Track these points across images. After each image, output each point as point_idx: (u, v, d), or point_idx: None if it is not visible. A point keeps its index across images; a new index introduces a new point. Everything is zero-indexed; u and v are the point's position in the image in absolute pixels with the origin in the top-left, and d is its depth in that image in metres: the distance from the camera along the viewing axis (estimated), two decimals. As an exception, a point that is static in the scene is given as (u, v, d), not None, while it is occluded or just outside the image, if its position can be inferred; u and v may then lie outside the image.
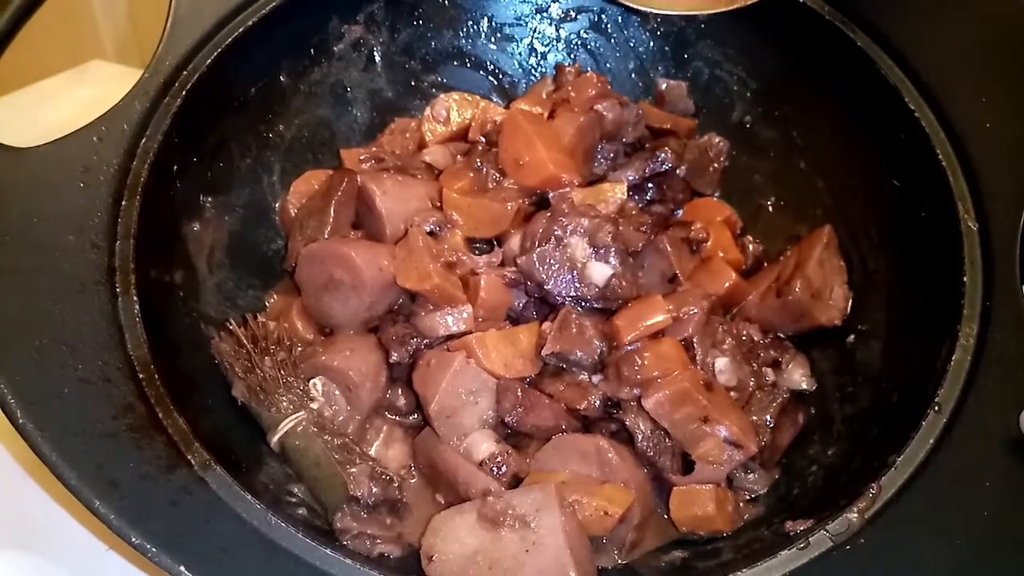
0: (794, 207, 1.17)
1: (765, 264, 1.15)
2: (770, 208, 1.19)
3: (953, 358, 0.86)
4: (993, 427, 0.81)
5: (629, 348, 0.94)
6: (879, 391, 0.96)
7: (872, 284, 1.04)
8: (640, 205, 1.12)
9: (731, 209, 1.18)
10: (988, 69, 0.99)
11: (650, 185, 1.13)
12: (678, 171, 1.15)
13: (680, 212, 1.15)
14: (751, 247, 1.15)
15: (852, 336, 1.03)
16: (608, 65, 1.27)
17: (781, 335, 1.06)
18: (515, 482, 0.91)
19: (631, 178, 1.10)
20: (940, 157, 0.97)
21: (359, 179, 1.05)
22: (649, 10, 1.20)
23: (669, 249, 1.03)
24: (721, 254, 1.10)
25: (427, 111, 1.22)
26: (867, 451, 0.90)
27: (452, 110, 1.22)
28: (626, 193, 1.07)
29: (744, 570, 0.77)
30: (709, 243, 1.08)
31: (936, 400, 0.84)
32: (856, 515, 0.78)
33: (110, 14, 2.06)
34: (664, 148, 1.11)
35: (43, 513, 0.95)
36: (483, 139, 1.17)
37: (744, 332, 1.03)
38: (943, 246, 0.94)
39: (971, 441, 0.81)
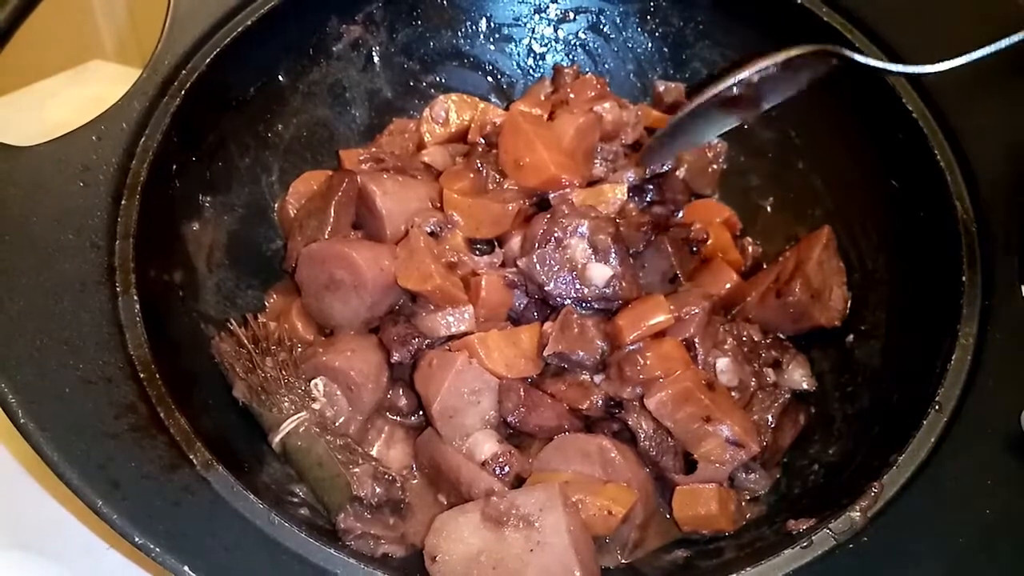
0: (793, 208, 1.17)
1: (764, 265, 1.15)
2: (769, 209, 1.20)
3: (953, 357, 0.86)
4: (994, 426, 0.81)
5: (631, 348, 0.94)
6: (879, 390, 0.97)
7: (871, 284, 1.05)
8: (640, 206, 1.12)
9: (731, 210, 1.18)
10: (986, 69, 1.00)
11: (650, 187, 1.13)
12: (678, 172, 1.15)
13: (680, 213, 1.15)
14: (750, 248, 1.16)
15: (852, 336, 1.04)
16: (606, 66, 1.28)
17: (781, 335, 1.07)
18: (518, 482, 0.91)
19: (631, 179, 1.10)
20: (938, 157, 0.97)
21: (359, 180, 1.05)
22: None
23: (670, 249, 1.03)
24: (721, 255, 1.10)
25: (426, 112, 1.22)
26: (868, 450, 0.90)
27: (451, 111, 1.22)
28: (626, 194, 1.07)
29: (748, 569, 0.77)
30: (709, 243, 1.08)
31: (937, 399, 0.84)
32: (859, 514, 0.79)
33: (110, 14, 2.06)
34: (664, 149, 1.11)
35: (43, 513, 0.94)
36: (483, 140, 1.17)
37: (744, 332, 1.03)
38: (942, 246, 0.94)
39: (972, 440, 0.81)
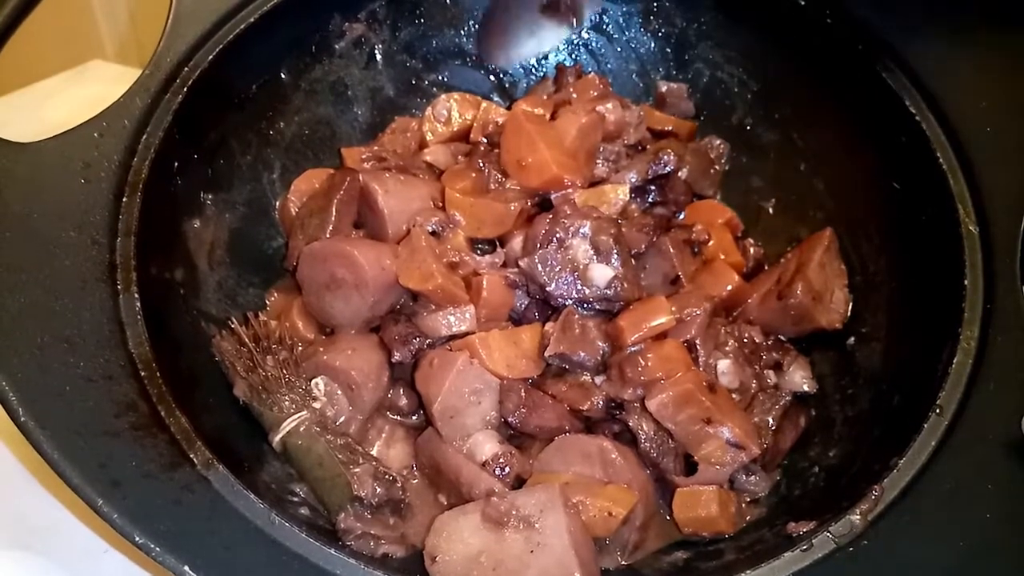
0: (794, 209, 1.17)
1: (766, 267, 1.15)
2: (770, 210, 1.20)
3: (954, 361, 0.86)
4: (995, 430, 0.81)
5: (632, 349, 0.94)
6: (880, 393, 0.97)
7: (873, 287, 1.04)
8: (642, 207, 1.11)
9: (732, 212, 1.18)
10: (989, 73, 1.00)
11: (652, 187, 1.13)
12: (680, 173, 1.15)
13: (682, 215, 1.15)
14: (752, 250, 1.15)
15: (852, 338, 1.04)
16: (609, 66, 1.28)
17: (782, 337, 1.06)
18: (518, 483, 0.91)
19: (633, 179, 1.10)
20: (941, 160, 0.97)
21: (361, 178, 1.05)
22: None
23: (671, 251, 1.03)
24: (722, 256, 1.10)
25: (428, 111, 1.22)
26: (868, 453, 0.90)
27: (453, 110, 1.21)
28: (628, 194, 1.07)
29: (748, 571, 0.78)
30: (711, 244, 1.08)
31: (938, 402, 0.84)
32: (859, 517, 0.79)
33: (110, 14, 2.06)
34: (667, 150, 1.11)
35: (43, 513, 0.94)
36: (485, 140, 1.17)
37: (746, 334, 1.03)
38: (944, 249, 0.94)
39: (973, 444, 0.81)
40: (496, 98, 1.28)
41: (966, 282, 0.90)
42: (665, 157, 1.10)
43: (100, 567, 0.91)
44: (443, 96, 1.22)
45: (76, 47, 1.91)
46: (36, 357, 0.78)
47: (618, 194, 1.07)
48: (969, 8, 1.02)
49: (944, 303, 0.91)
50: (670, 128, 1.21)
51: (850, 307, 1.05)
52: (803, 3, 1.10)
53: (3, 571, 0.90)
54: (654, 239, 1.03)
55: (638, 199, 1.11)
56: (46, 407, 0.75)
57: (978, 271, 0.91)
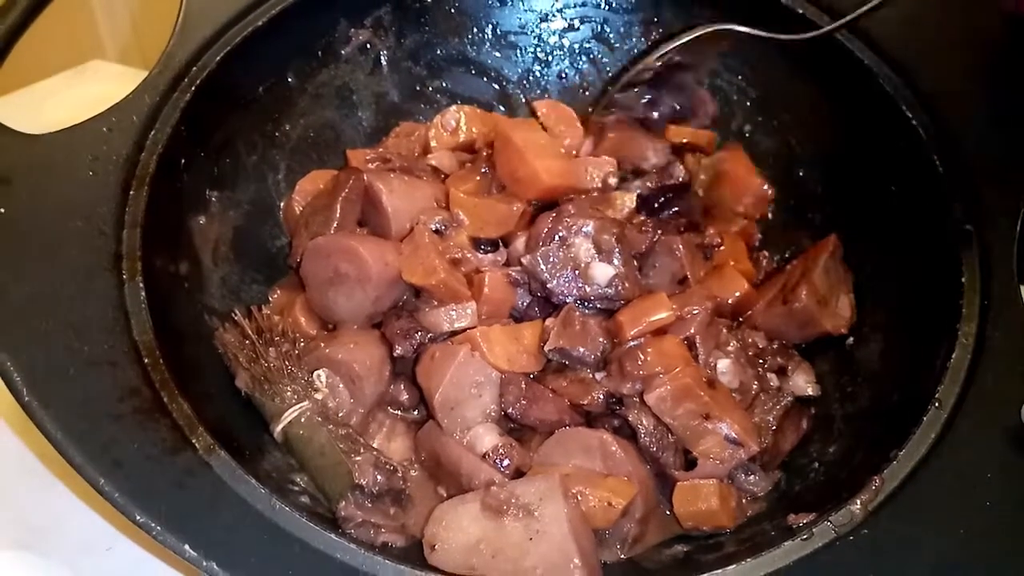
0: (793, 213, 1.18)
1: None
2: (769, 215, 1.21)
3: (953, 356, 0.87)
4: (994, 421, 0.81)
5: (632, 344, 0.95)
6: (879, 390, 0.97)
7: (871, 286, 1.05)
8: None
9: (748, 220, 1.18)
10: (983, 76, 1.01)
11: (671, 207, 1.13)
12: (698, 191, 1.16)
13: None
14: (764, 261, 1.15)
15: (851, 337, 1.04)
16: (610, 74, 1.29)
17: (785, 343, 1.06)
18: (518, 475, 0.91)
19: (638, 189, 1.11)
20: (937, 162, 0.98)
21: (366, 178, 1.06)
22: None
23: (683, 251, 1.04)
24: (732, 263, 1.10)
25: (436, 119, 1.23)
26: (868, 448, 0.90)
27: (461, 122, 1.22)
28: (635, 202, 1.08)
29: (748, 560, 0.77)
30: (723, 249, 1.09)
31: (936, 396, 0.84)
32: (859, 507, 0.79)
33: (110, 14, 2.07)
34: (676, 162, 1.12)
35: (44, 512, 0.94)
36: (488, 151, 1.17)
37: (750, 339, 1.03)
38: (941, 247, 0.95)
39: (972, 435, 0.82)
40: (498, 105, 1.30)
41: (963, 279, 0.91)
42: (675, 169, 1.11)
43: (101, 566, 0.91)
44: (453, 107, 1.23)
45: (76, 47, 1.92)
46: (42, 341, 0.79)
47: (625, 201, 1.08)
48: (964, 11, 1.04)
49: (942, 300, 0.92)
50: (687, 140, 1.21)
51: (855, 312, 1.05)
52: (801, 11, 1.12)
53: (4, 570, 0.90)
54: (655, 239, 1.04)
55: (655, 218, 1.11)
56: (50, 388, 0.76)
57: (974, 268, 0.92)
